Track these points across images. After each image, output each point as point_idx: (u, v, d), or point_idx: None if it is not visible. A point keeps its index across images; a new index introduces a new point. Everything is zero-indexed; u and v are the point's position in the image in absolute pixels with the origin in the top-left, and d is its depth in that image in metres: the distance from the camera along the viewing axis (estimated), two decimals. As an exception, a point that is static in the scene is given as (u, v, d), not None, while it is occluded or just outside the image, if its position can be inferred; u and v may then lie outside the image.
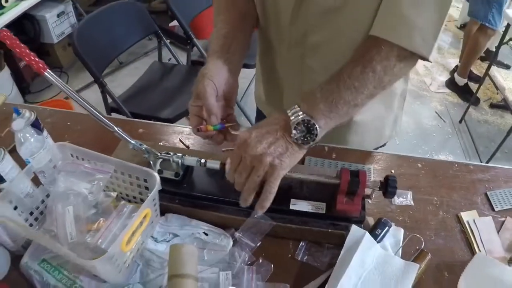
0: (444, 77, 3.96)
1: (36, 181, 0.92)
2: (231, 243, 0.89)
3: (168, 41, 2.73)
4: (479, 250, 0.92)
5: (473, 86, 3.61)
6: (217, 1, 1.07)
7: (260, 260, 0.88)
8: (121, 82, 3.65)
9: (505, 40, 2.98)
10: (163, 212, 0.95)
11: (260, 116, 1.42)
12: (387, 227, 0.89)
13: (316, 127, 0.78)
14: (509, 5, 3.17)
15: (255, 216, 0.90)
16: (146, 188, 0.91)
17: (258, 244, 0.90)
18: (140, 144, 0.94)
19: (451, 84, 3.81)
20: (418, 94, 3.76)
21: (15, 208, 0.87)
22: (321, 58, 1.02)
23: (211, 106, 0.86)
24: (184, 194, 0.97)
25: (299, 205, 0.92)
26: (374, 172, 1.11)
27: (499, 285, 0.79)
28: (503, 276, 0.80)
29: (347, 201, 0.88)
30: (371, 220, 0.93)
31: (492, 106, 3.60)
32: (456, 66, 3.82)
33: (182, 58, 2.93)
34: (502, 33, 3.03)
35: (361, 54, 0.83)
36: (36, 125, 1.08)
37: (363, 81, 0.81)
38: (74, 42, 2.03)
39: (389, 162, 1.15)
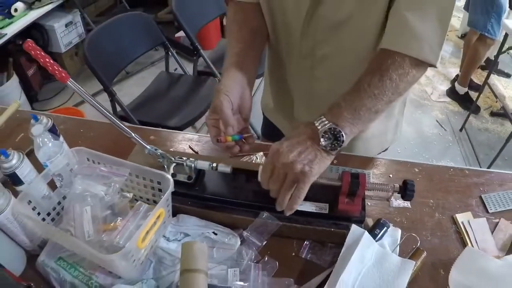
0: (445, 86, 4.00)
1: (52, 185, 0.97)
2: (239, 242, 0.95)
3: (175, 51, 2.77)
4: (474, 249, 0.96)
5: (474, 95, 3.64)
6: (229, 21, 1.13)
7: (266, 258, 0.92)
8: (127, 91, 3.70)
9: (503, 49, 3.01)
10: (175, 213, 1.01)
11: (266, 123, 1.48)
12: (385, 227, 0.94)
13: (342, 134, 0.85)
14: (508, 15, 3.22)
15: (263, 216, 0.96)
16: (159, 190, 0.96)
17: (264, 243, 0.95)
18: (155, 149, 1.00)
19: (451, 93, 3.85)
20: (419, 103, 3.80)
21: (34, 208, 0.91)
22: (328, 68, 1.09)
23: (227, 118, 0.92)
24: (196, 196, 1.03)
25: (303, 205, 0.97)
26: (374, 177, 1.16)
27: (486, 276, 0.84)
28: (491, 267, 0.85)
29: (348, 201, 0.93)
30: (370, 221, 0.98)
31: (493, 114, 3.63)
32: (457, 76, 3.85)
33: (188, 68, 2.98)
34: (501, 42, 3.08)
35: (378, 65, 0.90)
36: (53, 131, 1.13)
37: (382, 89, 0.88)
38: (84, 53, 2.09)
39: (388, 167, 1.20)
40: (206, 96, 2.62)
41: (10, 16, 3.14)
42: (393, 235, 0.96)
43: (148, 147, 0.99)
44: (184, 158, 1.02)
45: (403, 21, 0.88)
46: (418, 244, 0.93)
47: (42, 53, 0.82)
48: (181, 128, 2.32)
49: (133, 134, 0.97)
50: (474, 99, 3.48)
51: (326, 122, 0.86)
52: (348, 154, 1.24)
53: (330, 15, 0.96)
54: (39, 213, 0.93)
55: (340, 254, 0.88)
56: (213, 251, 0.93)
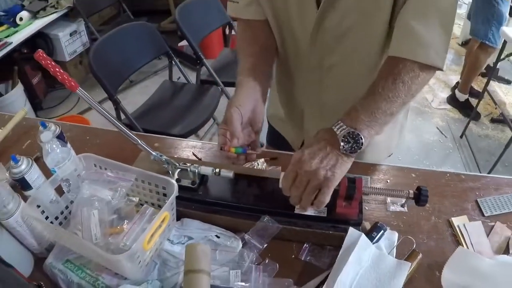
0: (445, 93, 4.02)
1: (58, 191, 1.00)
2: (241, 244, 0.97)
3: (178, 60, 2.81)
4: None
5: (474, 101, 3.66)
6: (239, 38, 1.19)
7: (267, 260, 0.95)
8: (131, 100, 3.75)
9: (502, 56, 3.04)
10: (179, 217, 1.04)
11: (271, 131, 1.53)
12: (382, 231, 0.97)
13: (361, 137, 0.89)
14: (508, 23, 3.25)
15: (264, 220, 0.99)
16: (164, 194, 1.00)
17: (265, 246, 0.97)
18: (161, 155, 1.04)
19: (452, 100, 3.87)
20: (420, 111, 3.82)
21: (42, 212, 0.94)
22: (336, 77, 1.14)
23: (234, 130, 0.96)
24: (200, 201, 1.06)
25: (303, 209, 1.00)
26: (371, 182, 1.19)
27: (478, 275, 0.86)
28: (482, 267, 0.87)
29: (346, 205, 0.96)
30: (367, 225, 1.01)
31: (493, 120, 3.65)
32: (457, 83, 3.87)
33: (191, 77, 3.01)
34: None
35: (389, 70, 0.95)
36: (61, 138, 1.17)
37: (395, 92, 0.92)
38: (90, 62, 2.13)
39: (386, 173, 1.22)
40: (209, 104, 2.65)
41: (15, 25, 3.19)
42: (390, 238, 0.99)
43: (153, 153, 1.03)
44: (188, 164, 1.06)
45: (409, 30, 0.94)
46: (414, 246, 0.95)
47: (52, 62, 0.86)
48: (184, 136, 2.34)
49: (139, 141, 1.00)
50: (474, 106, 3.50)
51: (345, 126, 0.90)
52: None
53: (335, 27, 1.02)
54: (47, 217, 0.96)
55: (338, 256, 0.91)
56: (216, 254, 0.96)
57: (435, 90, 4.11)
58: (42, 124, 1.13)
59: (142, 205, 1.00)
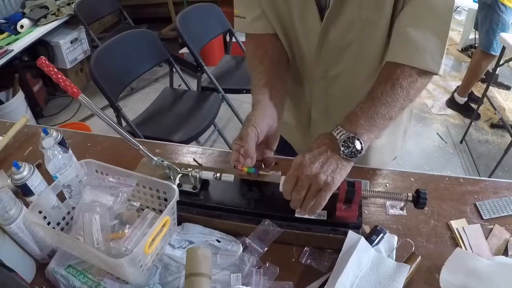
0: (445, 99, 4.02)
1: (60, 197, 1.01)
2: (241, 248, 0.98)
3: (179, 67, 2.82)
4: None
5: (474, 107, 3.65)
6: (249, 55, 1.18)
7: (267, 264, 0.96)
8: (132, 106, 3.77)
9: (501, 62, 3.05)
10: (180, 222, 1.05)
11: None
12: (382, 234, 0.98)
13: (360, 141, 0.90)
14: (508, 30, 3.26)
15: (265, 224, 1.00)
16: (165, 199, 1.01)
17: (265, 250, 0.98)
18: (162, 161, 1.05)
19: (451, 103, 3.88)
20: (420, 117, 3.83)
21: (44, 218, 0.95)
22: (340, 85, 1.16)
23: (249, 149, 0.96)
24: (201, 205, 1.07)
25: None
26: (371, 186, 1.20)
27: (475, 275, 0.87)
28: (480, 267, 0.88)
29: (345, 208, 0.97)
30: (367, 228, 1.02)
31: (493, 126, 3.65)
32: (457, 87, 3.87)
33: (192, 84, 3.02)
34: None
35: (388, 76, 0.96)
36: (62, 144, 1.17)
37: (394, 96, 0.94)
38: (91, 69, 2.14)
39: (385, 177, 1.23)
40: (210, 111, 2.66)
41: (16, 32, 3.20)
42: (389, 241, 0.99)
43: (155, 158, 1.04)
44: (189, 169, 1.07)
45: (405, 36, 0.95)
46: (413, 249, 0.96)
47: (55, 69, 0.87)
48: (185, 142, 2.33)
49: (141, 147, 1.01)
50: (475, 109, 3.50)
51: (344, 131, 0.91)
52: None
53: (339, 39, 1.04)
54: (49, 223, 0.97)
55: (338, 259, 0.92)
56: (217, 258, 0.96)
57: (435, 96, 4.11)
58: (43, 131, 1.14)
59: (143, 210, 1.01)
